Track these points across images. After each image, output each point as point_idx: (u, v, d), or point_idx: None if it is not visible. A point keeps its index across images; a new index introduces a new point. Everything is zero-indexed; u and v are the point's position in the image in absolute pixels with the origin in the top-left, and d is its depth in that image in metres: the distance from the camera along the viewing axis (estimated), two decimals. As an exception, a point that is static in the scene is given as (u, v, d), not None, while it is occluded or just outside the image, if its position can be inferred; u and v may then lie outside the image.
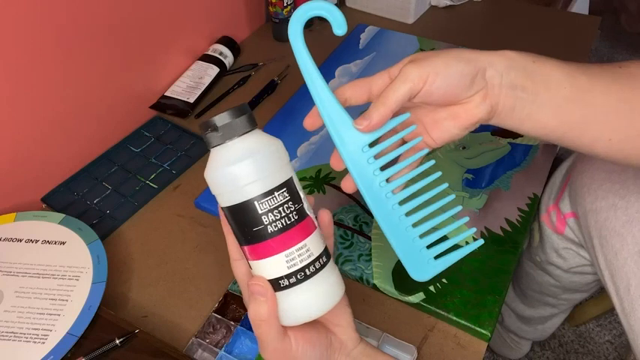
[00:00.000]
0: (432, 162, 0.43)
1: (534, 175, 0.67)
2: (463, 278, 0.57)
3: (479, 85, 0.39)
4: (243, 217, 0.35)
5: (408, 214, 0.41)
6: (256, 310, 0.36)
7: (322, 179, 0.69)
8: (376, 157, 0.41)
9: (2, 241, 0.60)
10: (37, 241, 0.60)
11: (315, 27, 0.99)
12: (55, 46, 0.63)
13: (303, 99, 0.80)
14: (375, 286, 0.58)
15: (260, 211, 0.35)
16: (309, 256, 0.36)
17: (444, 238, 0.42)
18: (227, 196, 0.35)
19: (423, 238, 0.42)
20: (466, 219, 0.44)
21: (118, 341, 0.51)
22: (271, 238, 0.35)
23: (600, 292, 1.08)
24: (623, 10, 1.68)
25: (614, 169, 0.58)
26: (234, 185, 0.34)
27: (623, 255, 0.54)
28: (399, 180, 0.41)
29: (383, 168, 0.41)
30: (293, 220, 0.35)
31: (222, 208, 0.36)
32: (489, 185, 0.66)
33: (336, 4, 0.99)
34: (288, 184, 0.36)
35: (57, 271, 0.57)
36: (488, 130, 0.74)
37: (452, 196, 0.43)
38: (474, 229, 0.44)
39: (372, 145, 0.41)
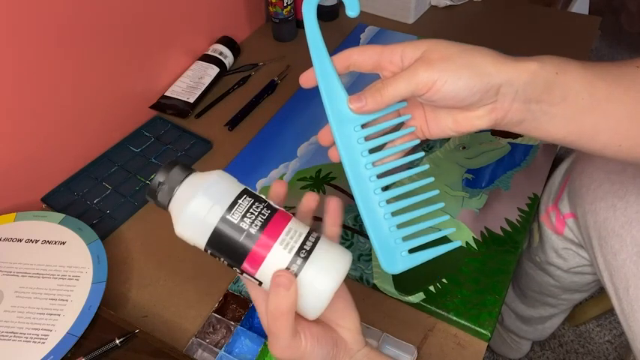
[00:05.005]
0: (426, 166, 0.43)
1: (534, 175, 0.67)
2: (463, 278, 0.57)
3: (488, 100, 0.38)
4: (224, 237, 0.36)
5: (389, 201, 0.41)
6: (278, 303, 0.35)
7: (322, 179, 0.69)
8: (367, 138, 0.40)
9: (2, 241, 0.60)
10: (37, 241, 0.60)
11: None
12: (55, 46, 0.63)
13: (304, 99, 0.80)
14: (375, 286, 0.58)
15: (235, 221, 0.36)
16: (300, 235, 0.37)
17: (421, 233, 0.41)
18: (200, 234, 0.36)
19: (401, 229, 0.41)
20: (446, 217, 0.42)
21: (117, 341, 0.51)
22: (259, 237, 0.36)
23: (600, 292, 1.08)
24: (623, 10, 1.68)
25: (613, 170, 0.58)
26: (199, 219, 0.36)
27: (622, 256, 0.54)
28: (386, 166, 0.41)
29: (372, 151, 0.41)
30: (268, 213, 0.36)
31: (207, 250, 0.37)
32: (489, 185, 0.66)
33: (335, 4, 0.99)
34: (246, 192, 0.37)
35: (57, 271, 0.57)
36: (489, 130, 0.74)
37: (436, 191, 0.42)
38: (453, 229, 0.44)
39: (364, 126, 0.41)
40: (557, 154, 0.72)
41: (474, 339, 0.54)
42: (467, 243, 0.60)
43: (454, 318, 0.54)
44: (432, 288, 0.56)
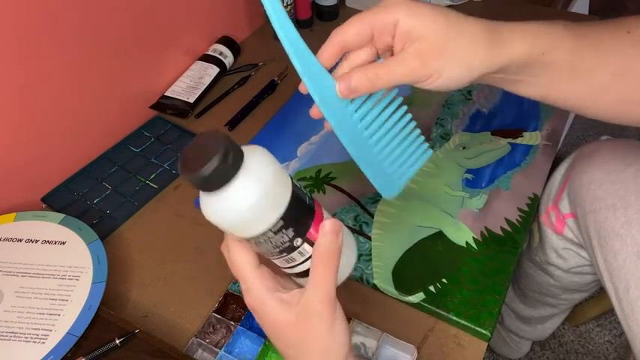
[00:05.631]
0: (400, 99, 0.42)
1: (534, 175, 0.67)
2: (463, 278, 0.57)
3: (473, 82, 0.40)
4: (298, 202, 0.34)
5: (374, 140, 0.41)
6: (329, 248, 0.35)
7: (322, 179, 0.69)
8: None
9: (2, 241, 0.60)
10: (37, 241, 0.60)
11: (315, 26, 0.99)
12: (55, 46, 0.63)
13: (303, 99, 0.80)
14: (375, 286, 0.58)
15: (299, 186, 0.36)
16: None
17: (402, 159, 0.43)
18: (273, 208, 0.33)
19: (387, 159, 0.42)
20: (426, 145, 0.43)
21: (117, 341, 0.51)
22: (313, 200, 0.36)
23: (600, 292, 1.08)
24: (623, 10, 1.68)
25: (613, 170, 0.58)
26: (276, 192, 0.33)
27: (622, 256, 0.54)
28: (366, 106, 0.40)
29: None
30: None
31: (276, 226, 0.34)
32: (489, 185, 0.66)
33: (335, 4, 0.99)
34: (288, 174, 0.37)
35: (57, 271, 0.57)
36: (489, 130, 0.74)
37: (413, 123, 0.42)
38: (430, 152, 0.44)
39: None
40: (557, 154, 0.72)
41: (474, 339, 0.54)
42: (467, 243, 0.60)
43: (454, 318, 0.54)
44: (432, 288, 0.56)
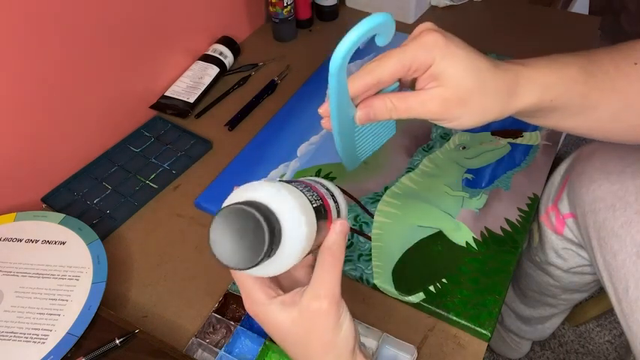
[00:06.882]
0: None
1: (534, 175, 0.67)
2: (463, 278, 0.57)
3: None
4: (320, 220, 0.35)
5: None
6: (337, 244, 0.36)
7: (322, 179, 0.69)
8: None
9: (2, 241, 0.60)
10: (37, 241, 0.60)
11: (315, 26, 0.99)
12: (55, 46, 0.63)
13: (303, 99, 0.80)
14: (375, 286, 0.58)
15: (320, 210, 0.35)
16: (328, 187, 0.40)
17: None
18: (308, 241, 0.33)
19: (361, 136, 0.44)
20: (394, 123, 0.46)
21: (117, 341, 0.51)
22: (325, 205, 0.37)
23: (600, 292, 1.08)
24: (623, 10, 1.67)
25: (612, 170, 0.58)
26: (307, 248, 0.33)
27: (622, 256, 0.54)
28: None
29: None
30: (306, 182, 0.38)
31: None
32: (489, 185, 0.66)
33: (335, 4, 0.99)
34: (284, 186, 0.36)
35: (57, 271, 0.57)
36: (489, 130, 0.74)
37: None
38: (394, 131, 0.46)
39: None
40: (557, 154, 0.72)
41: (474, 339, 0.54)
42: (467, 243, 0.60)
43: (454, 318, 0.54)
44: (432, 288, 0.56)
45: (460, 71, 0.37)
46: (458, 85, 0.38)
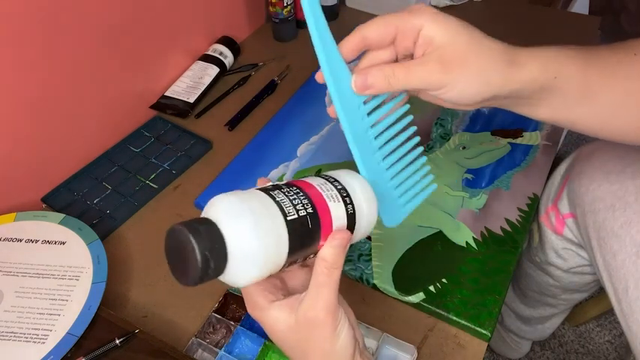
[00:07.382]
0: (410, 118, 0.43)
1: (534, 175, 0.67)
2: (463, 278, 0.57)
3: (485, 102, 0.40)
4: (299, 234, 0.33)
5: (385, 160, 0.42)
6: (337, 258, 0.34)
7: (322, 179, 0.69)
8: (365, 102, 0.40)
9: (2, 241, 0.60)
10: (37, 241, 0.60)
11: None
12: (55, 46, 0.63)
13: (304, 99, 0.80)
14: (375, 286, 0.58)
15: (295, 215, 0.33)
16: (326, 182, 0.36)
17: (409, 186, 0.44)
18: (277, 255, 0.33)
19: (393, 180, 0.43)
20: (431, 176, 0.46)
21: (117, 341, 0.51)
22: (316, 209, 0.34)
23: (600, 292, 1.08)
24: (623, 10, 1.67)
25: (612, 170, 0.58)
26: (272, 244, 0.32)
27: (622, 256, 0.54)
28: (382, 125, 0.41)
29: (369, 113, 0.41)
30: (298, 188, 0.35)
31: (286, 263, 0.33)
32: (489, 185, 0.66)
33: (336, 4, 0.99)
34: (265, 190, 0.35)
35: (57, 271, 0.57)
36: (489, 130, 0.74)
37: (420, 148, 0.44)
38: (435, 186, 0.46)
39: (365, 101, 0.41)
40: (557, 154, 0.72)
41: (474, 339, 0.54)
42: (467, 243, 0.60)
43: (454, 318, 0.54)
44: (432, 288, 0.56)
45: (452, 32, 0.37)
46: (453, 44, 0.37)
